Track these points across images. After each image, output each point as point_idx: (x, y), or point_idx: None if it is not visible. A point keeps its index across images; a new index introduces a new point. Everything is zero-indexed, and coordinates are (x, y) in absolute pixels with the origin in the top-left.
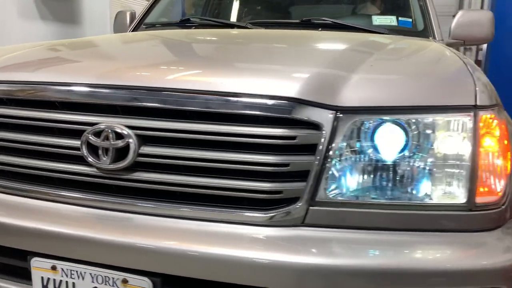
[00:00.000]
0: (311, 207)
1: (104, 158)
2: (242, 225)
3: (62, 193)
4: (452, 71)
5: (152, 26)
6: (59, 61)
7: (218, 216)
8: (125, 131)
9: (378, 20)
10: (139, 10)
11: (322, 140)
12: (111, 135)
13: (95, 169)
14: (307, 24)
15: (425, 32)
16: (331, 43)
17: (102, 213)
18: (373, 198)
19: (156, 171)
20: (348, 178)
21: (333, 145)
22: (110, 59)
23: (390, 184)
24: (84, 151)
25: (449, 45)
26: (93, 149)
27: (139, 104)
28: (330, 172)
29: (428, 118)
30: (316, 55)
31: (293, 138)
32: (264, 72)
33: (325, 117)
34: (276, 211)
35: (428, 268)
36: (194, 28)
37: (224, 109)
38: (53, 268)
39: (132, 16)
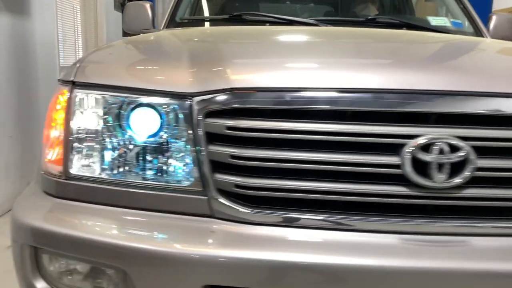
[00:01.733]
0: None
1: (440, 175)
2: None
3: (368, 220)
4: None
5: (190, 22)
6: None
7: None
8: (460, 143)
9: (435, 21)
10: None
11: None
12: (446, 149)
13: (417, 189)
14: (371, 23)
15: (478, 33)
16: (477, 45)
17: (426, 239)
18: None
19: (495, 187)
20: None
21: None
22: (393, 60)
23: None
24: (408, 169)
25: None
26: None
27: (473, 111)
28: None
29: None
30: None
31: None
32: None
33: None
34: None
35: None
36: (265, 25)
37: None
38: None
39: (153, 10)
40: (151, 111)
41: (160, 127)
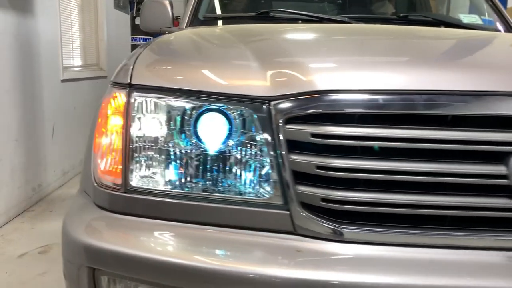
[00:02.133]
0: None
1: None
2: None
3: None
4: None
5: (213, 20)
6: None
7: None
8: None
9: (466, 18)
10: None
11: None
12: None
13: None
14: (403, 20)
15: (510, 30)
16: None
17: None
18: None
19: None
20: None
21: None
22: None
23: None
24: None
25: None
26: None
27: None
28: None
29: None
30: None
31: None
32: None
33: None
34: None
35: None
36: (287, 22)
37: None
38: None
39: (172, 7)
40: (221, 117)
41: (232, 134)
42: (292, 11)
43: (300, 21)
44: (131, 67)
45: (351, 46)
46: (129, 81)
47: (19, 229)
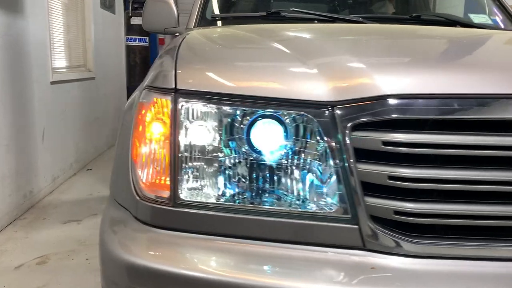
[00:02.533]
0: None
1: None
2: None
3: None
4: None
5: (221, 19)
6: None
7: None
8: None
9: (476, 18)
10: None
11: None
12: None
13: None
14: (416, 20)
15: None
16: None
17: None
18: None
19: None
20: None
21: None
22: None
23: None
24: None
25: None
26: None
27: None
28: None
29: None
30: None
31: None
32: None
33: None
34: None
35: None
36: (298, 22)
37: None
38: None
39: (177, 7)
40: (277, 124)
41: (290, 142)
42: (304, 10)
43: (316, 21)
44: (173, 71)
45: (404, 47)
46: (173, 86)
47: (13, 239)
